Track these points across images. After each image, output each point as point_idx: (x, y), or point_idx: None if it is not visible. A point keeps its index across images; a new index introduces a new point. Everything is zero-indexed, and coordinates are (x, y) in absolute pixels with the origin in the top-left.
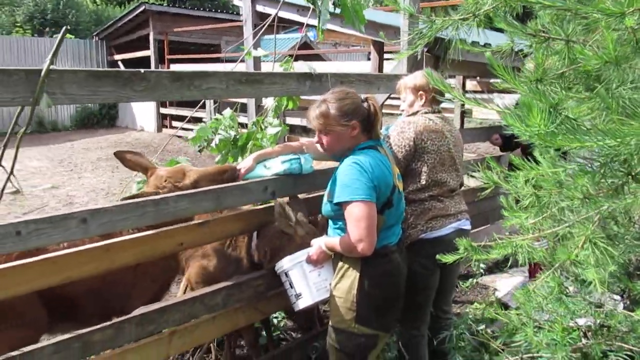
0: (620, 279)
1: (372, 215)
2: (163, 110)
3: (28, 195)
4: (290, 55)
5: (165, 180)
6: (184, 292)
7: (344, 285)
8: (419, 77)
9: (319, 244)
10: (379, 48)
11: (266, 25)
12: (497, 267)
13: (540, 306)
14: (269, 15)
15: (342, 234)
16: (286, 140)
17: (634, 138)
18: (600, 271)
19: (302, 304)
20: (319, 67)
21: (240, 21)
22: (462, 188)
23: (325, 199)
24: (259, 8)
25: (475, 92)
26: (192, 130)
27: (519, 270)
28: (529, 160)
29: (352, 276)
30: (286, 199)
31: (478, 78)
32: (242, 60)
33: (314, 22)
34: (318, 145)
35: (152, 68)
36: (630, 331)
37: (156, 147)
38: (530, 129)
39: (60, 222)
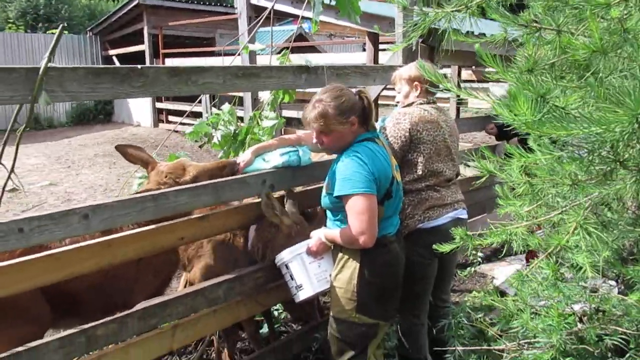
0: (614, 264)
1: (373, 208)
2: (159, 105)
3: (26, 193)
4: (287, 48)
5: (166, 176)
6: (184, 288)
7: (345, 275)
8: (413, 68)
9: (318, 235)
10: (374, 39)
11: (262, 18)
12: (494, 255)
13: (536, 292)
14: (264, 7)
15: (341, 225)
16: (283, 133)
17: (618, 125)
18: (593, 256)
19: (302, 295)
20: (314, 58)
21: (234, 14)
22: (459, 178)
23: (324, 192)
24: (254, 1)
25: (470, 81)
26: (189, 125)
27: (516, 259)
28: (525, 150)
29: (352, 267)
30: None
31: (473, 67)
32: (239, 54)
33: (309, 14)
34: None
35: (147, 63)
36: (624, 315)
37: (153, 143)
38: (518, 117)
39: (62, 219)
